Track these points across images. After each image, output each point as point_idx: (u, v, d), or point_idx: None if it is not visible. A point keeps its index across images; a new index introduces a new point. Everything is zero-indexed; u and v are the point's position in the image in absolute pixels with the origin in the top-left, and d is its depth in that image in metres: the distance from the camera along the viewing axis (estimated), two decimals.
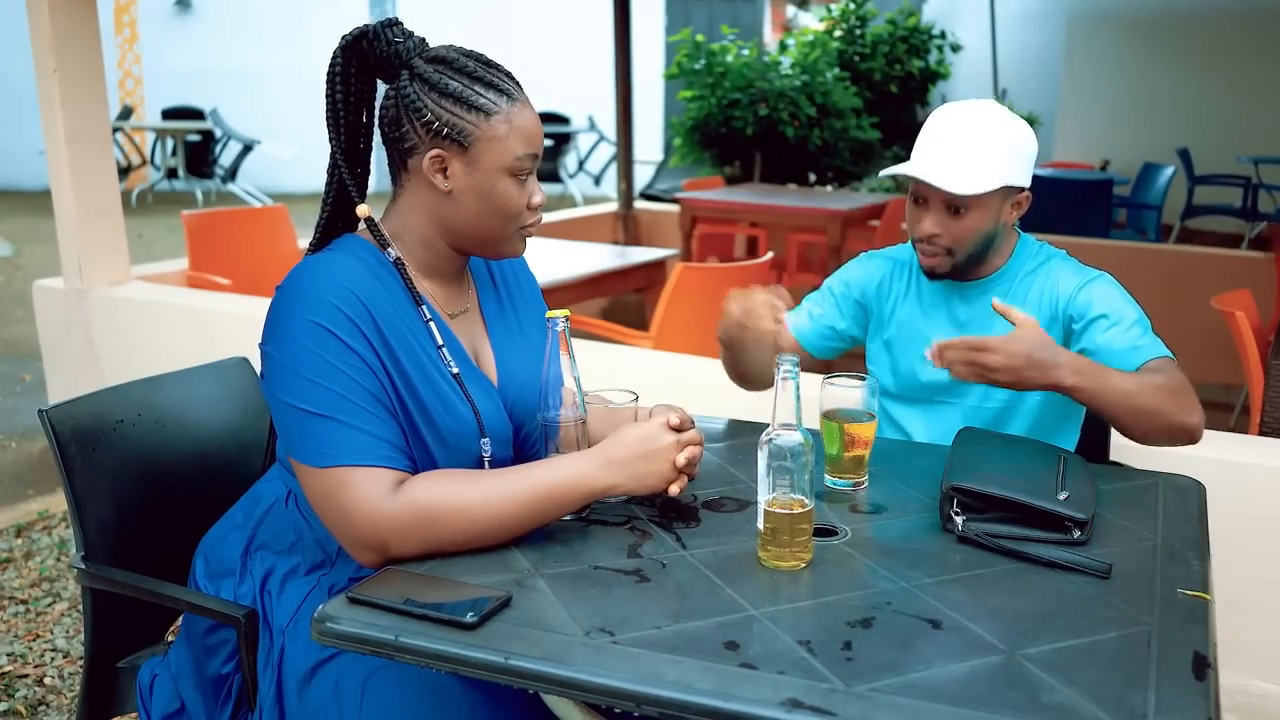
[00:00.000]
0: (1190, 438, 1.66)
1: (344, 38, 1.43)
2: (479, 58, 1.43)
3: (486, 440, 1.45)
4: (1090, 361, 1.63)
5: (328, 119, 1.44)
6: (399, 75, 1.42)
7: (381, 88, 1.48)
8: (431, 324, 1.44)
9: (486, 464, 1.46)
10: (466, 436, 1.44)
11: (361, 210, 1.46)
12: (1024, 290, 1.83)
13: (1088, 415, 1.88)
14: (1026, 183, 1.78)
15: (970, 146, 1.74)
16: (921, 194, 1.78)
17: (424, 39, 1.45)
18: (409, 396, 1.40)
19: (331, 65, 1.43)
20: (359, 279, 1.39)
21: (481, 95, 1.40)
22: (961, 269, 1.82)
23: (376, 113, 1.47)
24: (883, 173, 1.79)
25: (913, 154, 1.79)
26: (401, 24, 1.43)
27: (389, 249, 1.44)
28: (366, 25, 1.43)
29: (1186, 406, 1.64)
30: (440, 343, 1.44)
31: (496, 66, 1.44)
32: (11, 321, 6.11)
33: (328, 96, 1.43)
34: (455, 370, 1.44)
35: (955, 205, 1.75)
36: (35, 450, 4.12)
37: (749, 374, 1.93)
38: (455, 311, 1.52)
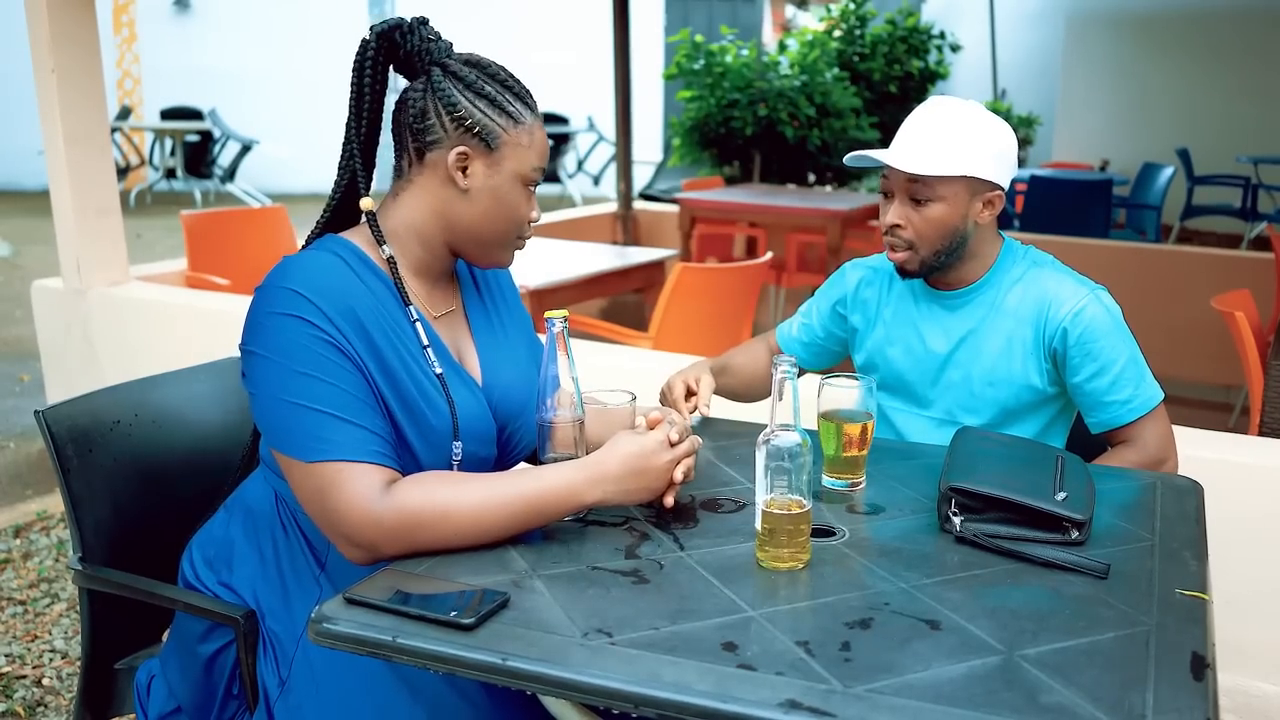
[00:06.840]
0: None
1: (377, 26, 1.44)
2: (505, 69, 1.46)
3: (458, 445, 1.44)
4: None
5: (351, 105, 1.45)
6: (427, 71, 1.43)
7: (394, 85, 1.48)
8: (418, 324, 1.44)
9: (456, 466, 1.45)
10: (450, 436, 1.44)
11: (365, 203, 1.46)
12: (1011, 299, 1.79)
13: (1077, 421, 1.87)
14: (1000, 181, 1.75)
15: (933, 132, 1.73)
16: (888, 186, 1.78)
17: (451, 43, 1.47)
18: (392, 394, 1.39)
19: (362, 51, 1.43)
20: (339, 276, 1.39)
21: (512, 103, 1.43)
22: (933, 269, 1.79)
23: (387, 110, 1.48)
24: (846, 158, 1.79)
25: None
26: (430, 24, 1.45)
27: (384, 245, 1.44)
28: (400, 18, 1.44)
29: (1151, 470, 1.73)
30: (425, 343, 1.44)
31: (520, 82, 1.47)
32: (11, 321, 6.10)
33: (354, 83, 1.44)
34: (439, 371, 1.44)
35: (917, 196, 1.73)
36: (34, 450, 4.12)
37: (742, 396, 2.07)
38: (440, 312, 1.52)
